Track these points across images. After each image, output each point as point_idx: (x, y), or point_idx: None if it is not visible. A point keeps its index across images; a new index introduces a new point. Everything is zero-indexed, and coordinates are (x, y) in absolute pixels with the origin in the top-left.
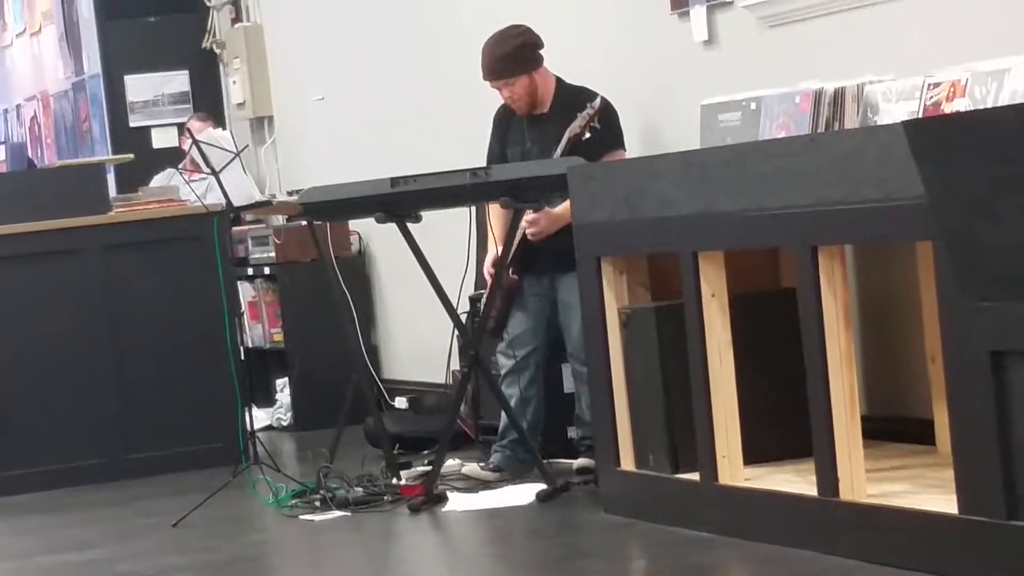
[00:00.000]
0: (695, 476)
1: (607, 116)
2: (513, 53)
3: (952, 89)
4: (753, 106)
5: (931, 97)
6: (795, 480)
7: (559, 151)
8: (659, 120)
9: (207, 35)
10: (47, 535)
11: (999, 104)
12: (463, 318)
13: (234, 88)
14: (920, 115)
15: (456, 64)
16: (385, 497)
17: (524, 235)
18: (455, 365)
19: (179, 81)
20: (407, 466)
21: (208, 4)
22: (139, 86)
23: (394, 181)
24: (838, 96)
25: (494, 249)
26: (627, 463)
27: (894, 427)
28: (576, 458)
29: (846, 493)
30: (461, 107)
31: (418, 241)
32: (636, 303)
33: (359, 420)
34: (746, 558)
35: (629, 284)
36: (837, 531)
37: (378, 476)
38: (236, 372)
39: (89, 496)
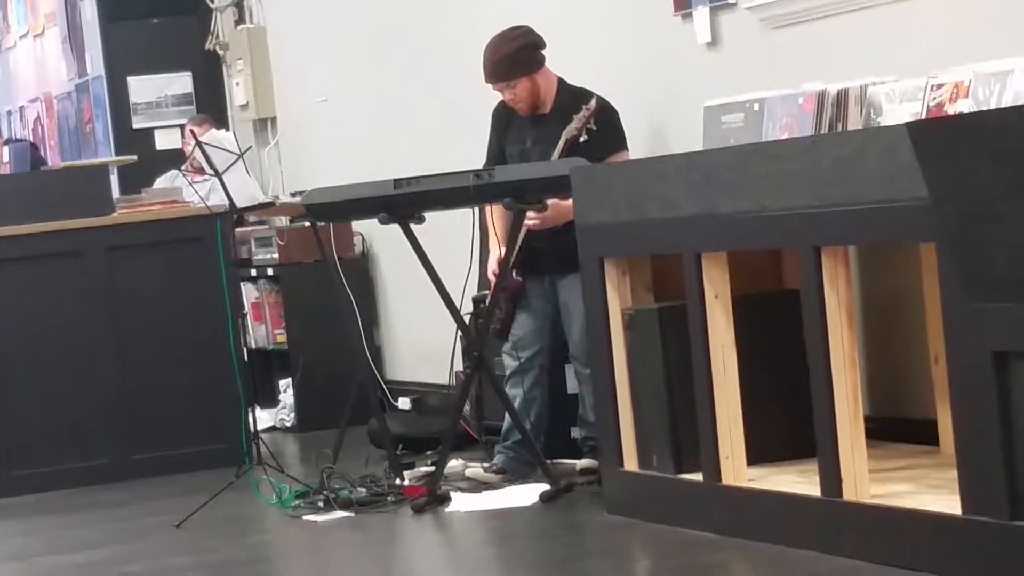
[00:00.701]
0: (698, 477)
1: (605, 117)
2: (514, 55)
3: (955, 90)
4: (756, 107)
5: (934, 98)
6: (798, 480)
7: (556, 153)
8: (662, 121)
9: (210, 37)
10: (51, 535)
11: (1002, 105)
12: (466, 319)
13: (237, 90)
14: (923, 116)
15: (459, 65)
16: (388, 498)
17: (527, 237)
18: (458, 366)
19: (182, 83)
20: (410, 467)
21: (211, 6)
22: (142, 88)
23: (397, 182)
24: (841, 97)
25: (496, 250)
26: (631, 464)
27: (897, 428)
28: (580, 459)
29: (849, 494)
30: (464, 108)
31: (421, 242)
32: (639, 304)
33: (362, 421)
34: (749, 558)
35: (632, 285)
36: (840, 532)
37: (381, 477)
38: (239, 373)
39: (93, 497)
